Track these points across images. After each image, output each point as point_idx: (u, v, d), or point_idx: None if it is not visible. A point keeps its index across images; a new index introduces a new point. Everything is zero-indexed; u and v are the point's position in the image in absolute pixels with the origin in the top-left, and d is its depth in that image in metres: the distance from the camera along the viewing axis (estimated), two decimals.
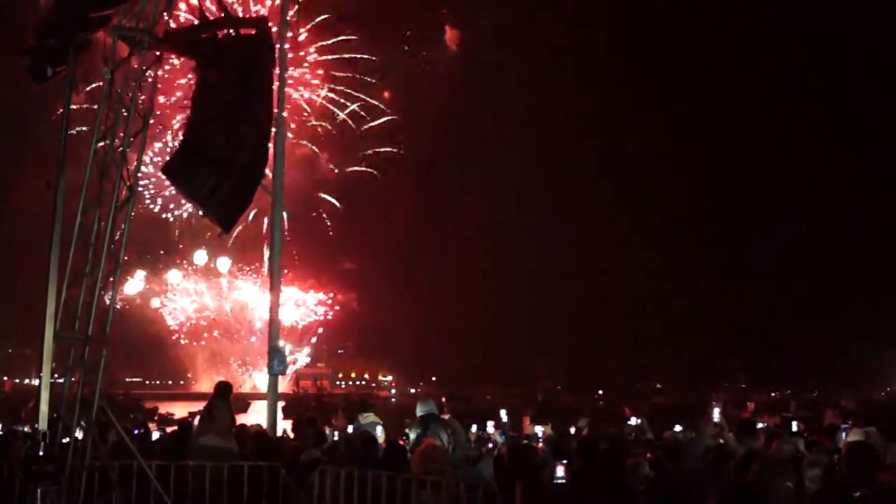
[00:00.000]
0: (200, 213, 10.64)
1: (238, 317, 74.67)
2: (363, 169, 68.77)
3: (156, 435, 15.52)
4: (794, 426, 12.13)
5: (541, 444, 11.91)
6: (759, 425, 11.08)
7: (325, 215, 69.39)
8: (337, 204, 68.84)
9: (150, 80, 9.58)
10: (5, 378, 51.82)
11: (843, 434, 10.68)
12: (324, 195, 73.11)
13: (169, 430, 15.86)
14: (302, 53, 63.01)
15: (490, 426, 14.03)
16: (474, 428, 13.87)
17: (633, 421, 14.39)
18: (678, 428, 13.90)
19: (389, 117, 69.36)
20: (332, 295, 74.38)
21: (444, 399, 16.28)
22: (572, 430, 14.62)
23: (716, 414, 10.02)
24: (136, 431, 14.81)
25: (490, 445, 12.69)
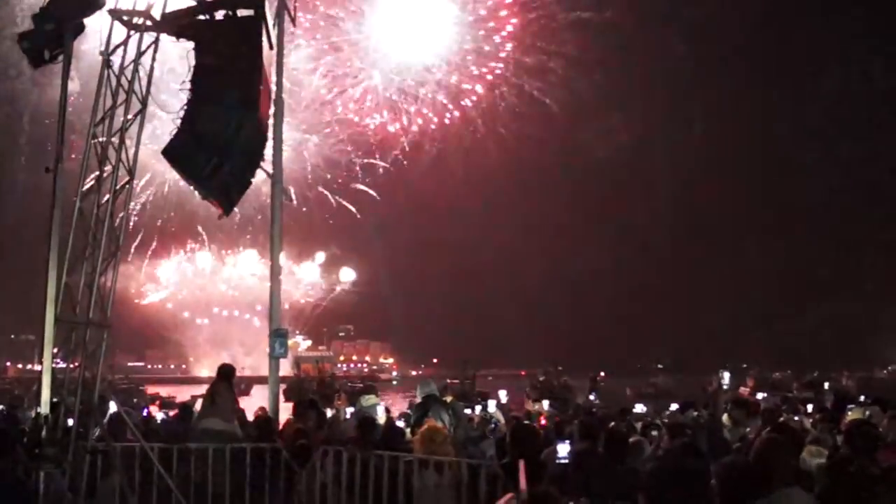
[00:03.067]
0: (201, 195, 10.65)
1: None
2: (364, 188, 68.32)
3: (160, 416, 15.57)
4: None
5: (543, 422, 11.95)
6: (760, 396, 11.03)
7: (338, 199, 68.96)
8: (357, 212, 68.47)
9: (147, 62, 9.53)
10: (7, 363, 51.86)
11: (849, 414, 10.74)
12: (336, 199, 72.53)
13: (171, 413, 15.89)
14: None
15: (492, 406, 14.06)
16: (478, 409, 13.90)
17: (639, 408, 14.32)
18: (674, 406, 13.89)
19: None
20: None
21: (448, 381, 16.31)
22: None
23: (726, 378, 10.05)
24: (143, 414, 14.89)
25: (493, 426, 12.72)
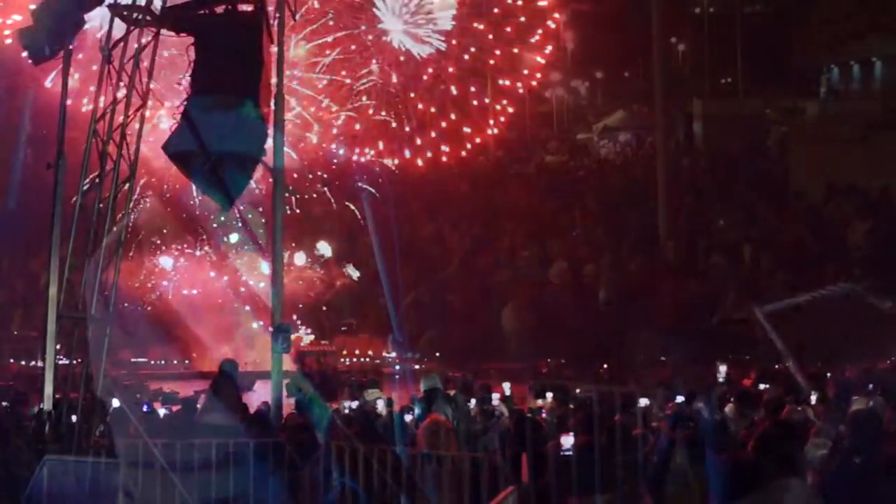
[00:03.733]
0: (201, 191, 10.66)
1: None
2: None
3: (162, 411, 15.52)
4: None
5: (544, 415, 11.93)
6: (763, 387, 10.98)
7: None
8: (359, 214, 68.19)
9: (147, 57, 9.52)
10: (11, 360, 51.85)
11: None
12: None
13: (173, 408, 15.85)
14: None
15: (495, 399, 14.00)
16: (473, 402, 13.84)
17: (643, 401, 14.21)
18: (679, 398, 13.83)
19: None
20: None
21: (449, 374, 16.25)
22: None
23: (722, 371, 10.01)
24: (145, 409, 14.83)
25: (495, 419, 12.69)
